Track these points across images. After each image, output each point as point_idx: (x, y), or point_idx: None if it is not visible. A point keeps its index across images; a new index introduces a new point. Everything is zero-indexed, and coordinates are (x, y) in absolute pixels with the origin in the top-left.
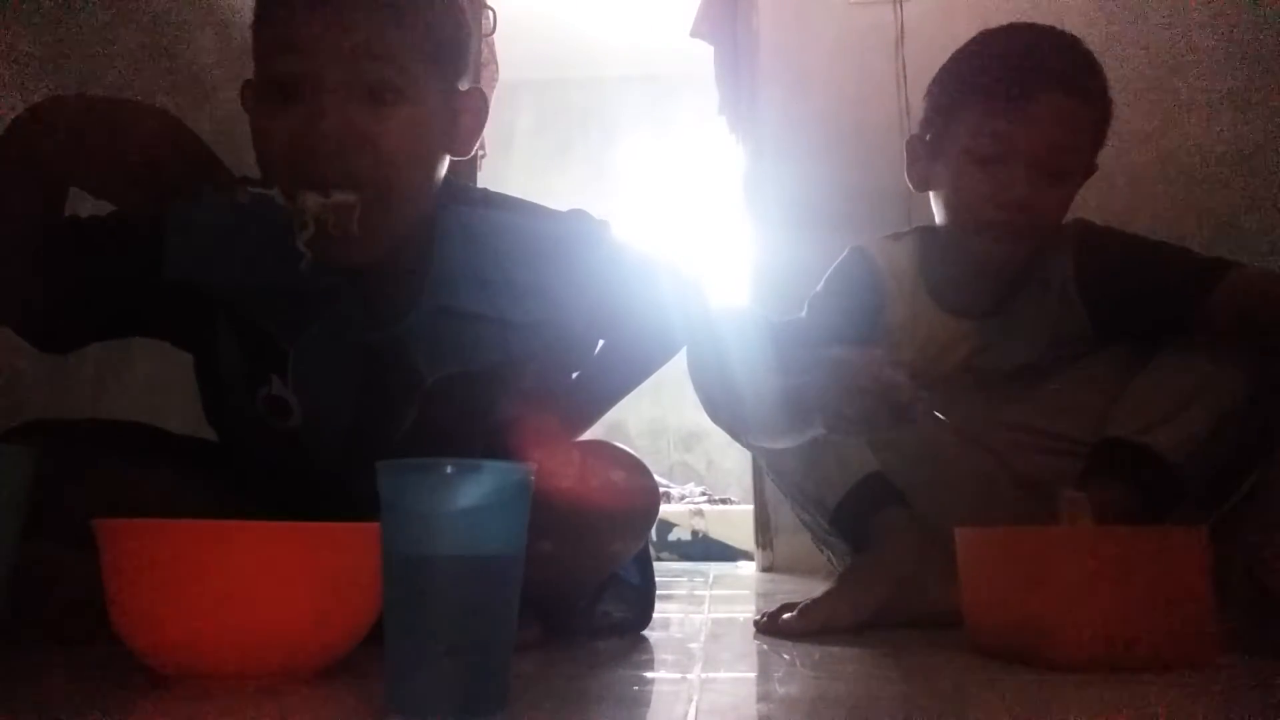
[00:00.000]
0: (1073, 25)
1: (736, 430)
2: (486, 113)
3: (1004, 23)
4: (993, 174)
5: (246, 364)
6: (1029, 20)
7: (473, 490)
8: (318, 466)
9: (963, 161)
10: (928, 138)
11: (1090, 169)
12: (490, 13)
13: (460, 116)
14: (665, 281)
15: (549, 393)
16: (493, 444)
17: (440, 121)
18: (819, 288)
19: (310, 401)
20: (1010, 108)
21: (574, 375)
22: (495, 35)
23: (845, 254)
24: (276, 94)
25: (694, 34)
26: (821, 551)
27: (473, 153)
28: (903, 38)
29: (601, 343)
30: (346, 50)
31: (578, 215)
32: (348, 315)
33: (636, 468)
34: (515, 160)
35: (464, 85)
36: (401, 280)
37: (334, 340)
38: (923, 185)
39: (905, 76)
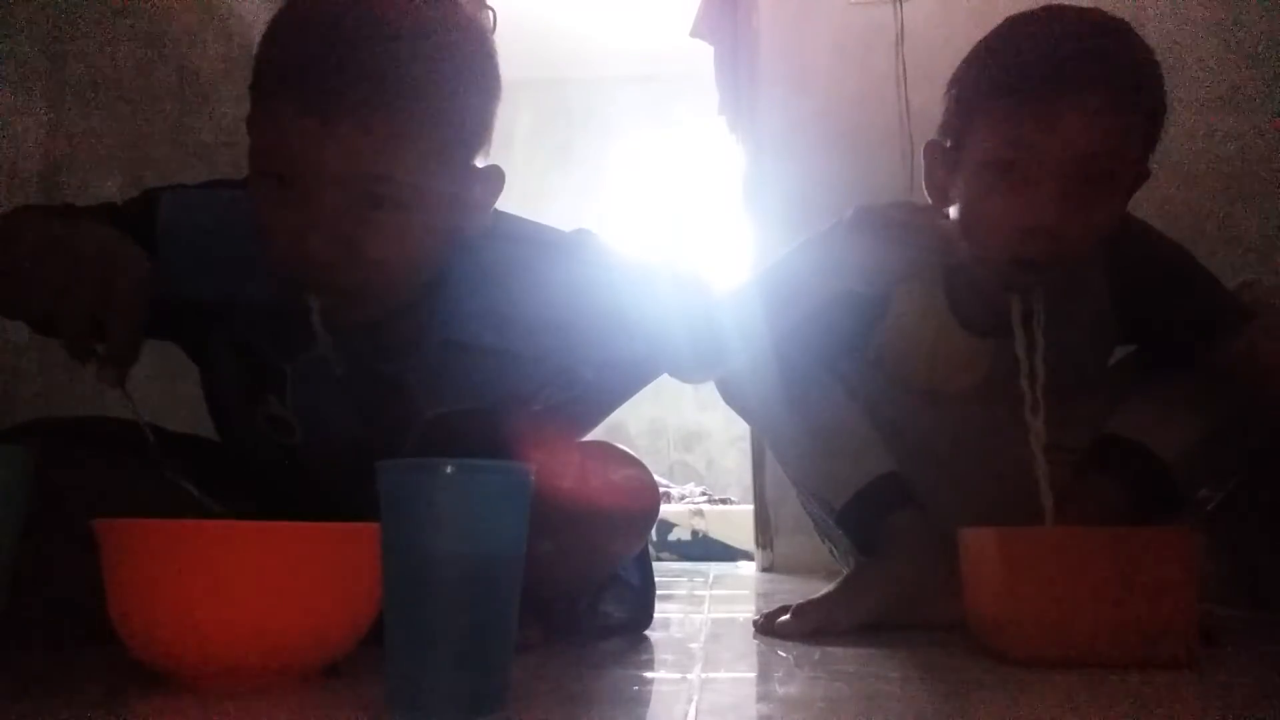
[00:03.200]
0: None
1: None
2: (502, 185)
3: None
4: (1017, 192)
5: (246, 380)
6: None
7: (473, 490)
8: (318, 479)
9: (981, 175)
10: (948, 144)
11: (1142, 175)
12: (490, 13)
13: (472, 192)
14: (666, 285)
15: (551, 404)
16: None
17: (449, 209)
18: (801, 246)
19: (309, 425)
20: (1036, 109)
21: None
22: (495, 35)
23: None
24: (273, 177)
25: (694, 34)
26: (824, 543)
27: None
28: (903, 38)
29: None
30: (341, 168)
31: (581, 235)
32: (350, 344)
33: (636, 468)
34: (515, 160)
35: (481, 161)
36: (406, 313)
37: (334, 367)
38: (942, 199)
39: (905, 76)
